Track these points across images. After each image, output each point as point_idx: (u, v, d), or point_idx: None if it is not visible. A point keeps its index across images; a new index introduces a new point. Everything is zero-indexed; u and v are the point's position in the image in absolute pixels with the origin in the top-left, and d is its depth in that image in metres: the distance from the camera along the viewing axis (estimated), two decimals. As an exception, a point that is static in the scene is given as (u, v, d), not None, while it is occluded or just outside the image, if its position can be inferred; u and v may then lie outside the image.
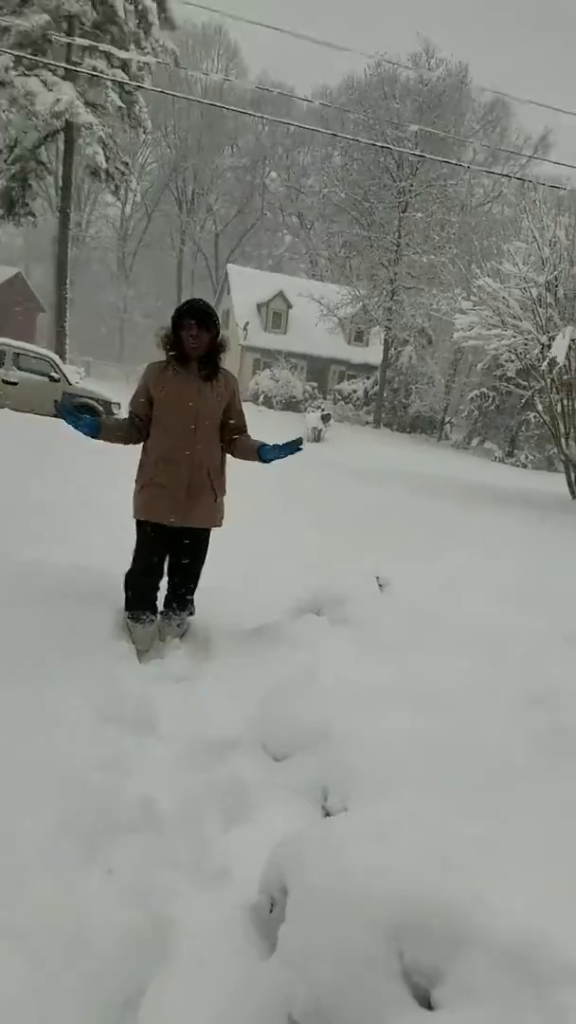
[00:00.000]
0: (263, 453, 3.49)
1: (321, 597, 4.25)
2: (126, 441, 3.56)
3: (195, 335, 3.38)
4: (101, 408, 15.43)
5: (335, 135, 21.69)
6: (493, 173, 29.10)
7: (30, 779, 2.33)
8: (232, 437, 3.61)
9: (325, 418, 25.83)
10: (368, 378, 35.06)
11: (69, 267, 33.03)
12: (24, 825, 2.16)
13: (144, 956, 1.80)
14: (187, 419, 3.44)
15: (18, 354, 15.31)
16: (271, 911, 1.86)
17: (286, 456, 3.49)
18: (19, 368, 15.20)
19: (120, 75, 23.72)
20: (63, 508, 5.94)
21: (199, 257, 51.18)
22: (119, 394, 18.08)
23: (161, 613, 3.72)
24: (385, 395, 32.95)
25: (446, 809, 2.06)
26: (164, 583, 3.73)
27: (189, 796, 2.40)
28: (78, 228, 43.72)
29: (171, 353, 3.46)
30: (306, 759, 2.53)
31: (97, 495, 6.01)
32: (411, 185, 29.14)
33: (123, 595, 3.67)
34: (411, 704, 2.60)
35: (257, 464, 3.63)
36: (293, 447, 3.49)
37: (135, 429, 3.53)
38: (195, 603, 3.78)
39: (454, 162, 22.77)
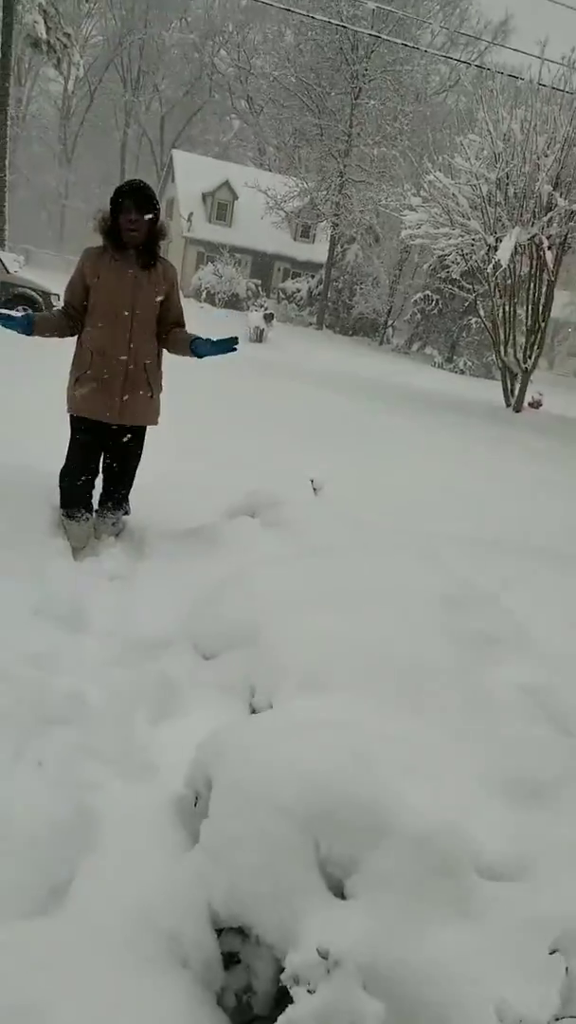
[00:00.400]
0: (196, 348, 3.29)
1: (255, 500, 4.18)
2: (61, 334, 3.35)
3: (134, 220, 3.13)
4: (39, 299, 14.63)
5: (289, 10, 20.02)
6: (451, 59, 27.60)
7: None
8: (168, 330, 3.41)
9: (268, 318, 25.03)
10: (312, 277, 33.97)
11: (8, 147, 30.45)
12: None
13: (70, 846, 1.80)
14: (123, 310, 3.23)
15: (-48, 238, 14.23)
16: (195, 804, 1.87)
17: (221, 354, 3.30)
18: (-48, 254, 14.18)
19: None
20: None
21: (144, 141, 47.84)
22: (58, 284, 17.14)
23: (96, 512, 3.61)
24: (329, 295, 32.08)
25: (367, 707, 2.09)
26: (99, 482, 3.60)
27: (118, 691, 2.38)
28: (18, 104, 40.15)
29: (108, 239, 3.20)
30: (234, 657, 2.52)
31: (37, 392, 5.73)
32: (366, 69, 27.31)
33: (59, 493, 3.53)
34: (337, 606, 2.60)
35: (193, 362, 3.45)
36: (228, 345, 3.29)
37: (69, 320, 3.32)
38: (130, 503, 3.67)
39: (411, 45, 21.38)
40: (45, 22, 22.47)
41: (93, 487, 3.52)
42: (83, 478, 3.45)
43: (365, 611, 2.55)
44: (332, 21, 21.65)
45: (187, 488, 4.47)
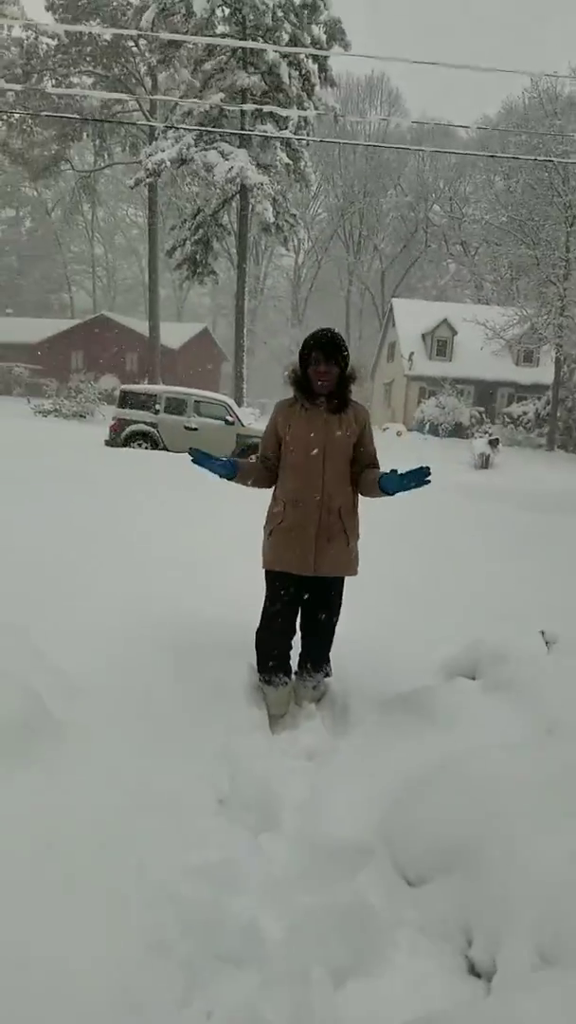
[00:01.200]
0: (384, 484, 2.92)
1: (476, 654, 3.61)
2: (257, 484, 3.19)
3: (323, 371, 2.96)
4: (273, 446, 15.45)
5: (493, 156, 20.61)
6: None
7: (119, 880, 1.93)
8: (362, 472, 3.11)
9: (493, 443, 24.35)
10: (539, 399, 32.92)
11: (247, 317, 34.14)
12: (106, 945, 1.77)
13: None
14: (315, 457, 3.01)
15: (198, 401, 15.75)
16: None
17: (412, 487, 2.88)
18: (199, 414, 15.62)
19: (287, 134, 24.25)
20: (205, 555, 5.68)
21: (366, 295, 51.22)
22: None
23: (295, 674, 3.27)
24: (559, 415, 30.73)
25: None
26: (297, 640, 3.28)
27: (300, 925, 1.90)
28: (256, 281, 45.40)
29: (299, 390, 3.05)
30: (446, 885, 1.95)
31: (219, 534, 5.73)
32: (578, 199, 27.17)
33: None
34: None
35: (401, 498, 3.08)
36: (420, 477, 2.85)
37: (265, 471, 3.16)
38: (332, 662, 3.29)
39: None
40: (274, 208, 25.35)
41: (291, 648, 3.22)
42: (280, 639, 3.17)
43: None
44: (541, 159, 21.83)
45: (396, 637, 4.01)
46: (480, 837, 2.03)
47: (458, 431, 30.61)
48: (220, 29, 25.22)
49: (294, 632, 3.21)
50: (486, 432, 28.09)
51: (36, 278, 52.97)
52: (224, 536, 5.85)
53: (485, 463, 23.15)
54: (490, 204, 31.02)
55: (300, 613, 3.21)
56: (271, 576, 3.13)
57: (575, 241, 27.66)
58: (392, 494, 2.94)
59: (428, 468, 2.83)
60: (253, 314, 43.48)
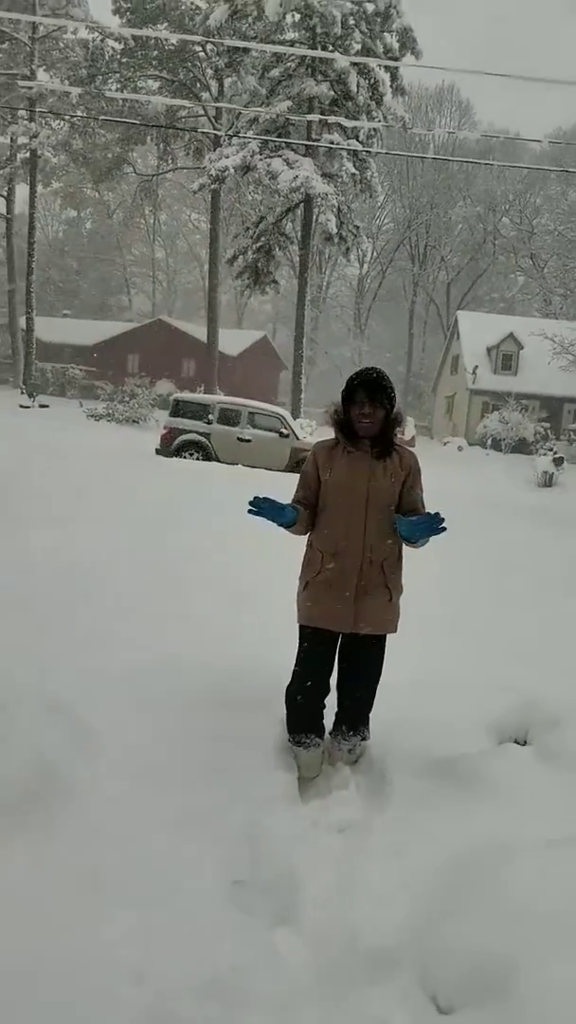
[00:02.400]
0: (401, 530, 2.69)
1: (528, 716, 3.34)
2: (298, 531, 2.97)
3: (367, 414, 2.75)
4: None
5: (566, 171, 20.06)
6: None
7: (109, 998, 1.75)
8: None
9: (557, 461, 23.59)
10: (608, 416, 31.94)
11: (309, 327, 34.08)
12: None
13: None
14: (357, 504, 2.79)
15: (252, 413, 15.67)
16: None
17: (427, 535, 2.66)
18: (253, 426, 15.54)
19: (355, 144, 24.14)
20: (249, 587, 5.50)
21: (431, 306, 50.64)
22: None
23: (330, 733, 3.06)
24: (628, 434, 29.73)
25: None
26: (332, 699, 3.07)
27: (314, 1054, 1.69)
28: (318, 290, 45.35)
29: (340, 432, 2.85)
30: (478, 1019, 1.71)
31: (249, 572, 5.48)
32: None
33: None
34: None
35: (453, 531, 2.84)
36: (432, 525, 2.61)
37: (303, 517, 2.93)
38: (371, 725, 3.06)
39: None
40: (337, 219, 25.23)
41: (324, 707, 3.00)
42: (314, 698, 2.96)
43: None
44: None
45: (442, 690, 3.75)
46: (516, 963, 1.78)
47: (521, 447, 29.88)
48: (289, 35, 25.28)
49: (328, 691, 2.99)
50: (550, 449, 27.31)
51: (95, 280, 53.88)
52: (270, 566, 5.66)
53: (548, 481, 22.46)
54: (563, 216, 30.23)
55: (337, 671, 3.00)
56: (306, 632, 2.92)
57: None
58: (408, 541, 2.72)
59: (440, 516, 2.60)
60: (315, 323, 43.42)
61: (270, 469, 14.69)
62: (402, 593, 2.94)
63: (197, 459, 15.15)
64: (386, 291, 49.89)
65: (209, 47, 28.71)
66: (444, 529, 2.60)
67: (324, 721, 3.03)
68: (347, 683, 2.99)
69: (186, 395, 17.44)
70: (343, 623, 2.82)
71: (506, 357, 34.84)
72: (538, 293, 44.49)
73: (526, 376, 34.00)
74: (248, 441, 15.33)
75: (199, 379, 34.41)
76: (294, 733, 2.96)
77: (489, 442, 30.40)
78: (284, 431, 15.44)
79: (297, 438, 15.58)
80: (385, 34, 24.53)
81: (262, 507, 2.77)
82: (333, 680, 3.01)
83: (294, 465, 15.30)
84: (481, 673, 4.19)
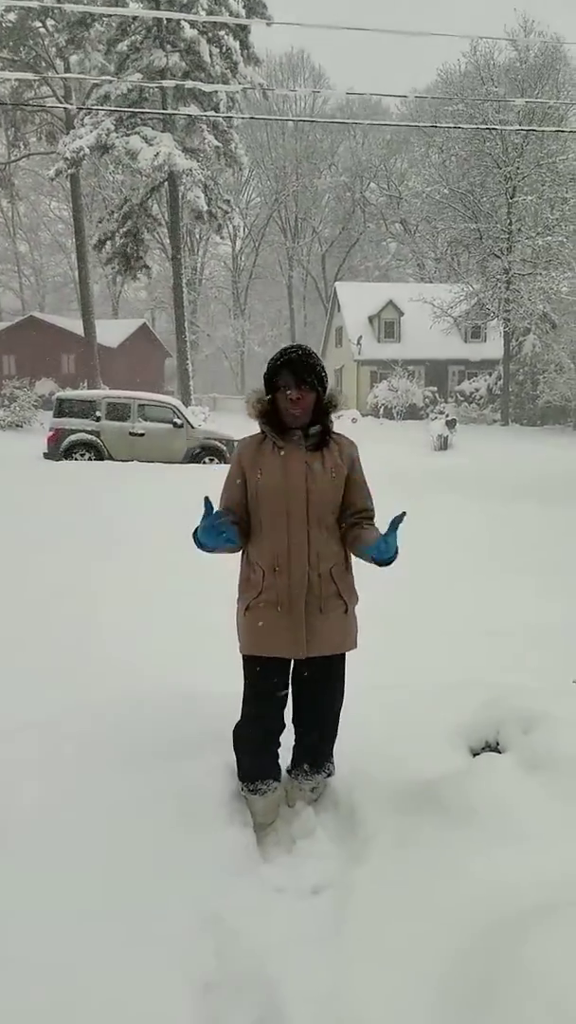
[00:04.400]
0: (380, 554, 2.27)
1: (498, 714, 3.03)
2: (231, 551, 2.48)
3: (296, 398, 2.31)
4: (224, 447, 14.76)
5: (435, 126, 20.11)
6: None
7: None
8: (352, 524, 2.46)
9: (450, 424, 24.07)
10: (490, 374, 32.87)
11: (188, 310, 33.19)
12: None
13: None
14: (297, 508, 2.35)
15: (142, 405, 14.94)
16: None
17: (396, 541, 2.28)
18: (144, 419, 14.82)
19: (213, 115, 23.38)
20: (176, 603, 5.02)
21: (308, 279, 50.57)
22: (241, 428, 17.43)
23: (288, 772, 2.64)
24: (511, 389, 30.68)
25: None
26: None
27: None
28: (193, 272, 44.30)
29: (267, 424, 2.40)
30: None
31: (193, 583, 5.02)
32: (518, 168, 26.92)
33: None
34: None
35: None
36: (396, 525, 2.26)
37: (237, 532, 2.44)
38: (334, 758, 2.66)
39: (568, 129, 20.52)
40: (206, 195, 24.48)
41: (280, 746, 2.57)
42: (267, 739, 2.52)
43: None
44: (481, 127, 21.44)
45: (397, 694, 3.41)
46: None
47: (412, 413, 30.35)
48: (133, 7, 24.15)
49: (283, 727, 2.56)
50: (441, 412, 27.83)
51: (-45, 281, 50.77)
52: (204, 578, 5.14)
53: (444, 444, 22.85)
54: (429, 177, 30.60)
55: (292, 701, 2.57)
56: (252, 663, 2.46)
57: (517, 211, 27.45)
58: (389, 563, 2.31)
59: (403, 513, 2.24)
60: (193, 306, 42.44)
61: (167, 462, 14.07)
62: (358, 601, 2.54)
63: (89, 459, 14.33)
64: (261, 267, 49.40)
65: (50, 23, 27.10)
66: (403, 517, 2.24)
67: (280, 761, 2.60)
68: (306, 714, 2.56)
69: (69, 392, 16.45)
70: (296, 648, 2.38)
71: (388, 325, 35.20)
72: (411, 258, 45.19)
73: (409, 342, 34.49)
74: (141, 435, 14.63)
75: (81, 375, 32.93)
76: (248, 781, 2.52)
77: (381, 411, 30.68)
78: (178, 421, 14.82)
79: (192, 427, 14.99)
80: (230, 1, 23.80)
81: (207, 540, 2.25)
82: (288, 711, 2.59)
83: (191, 456, 14.74)
84: (432, 664, 3.88)
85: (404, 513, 2.26)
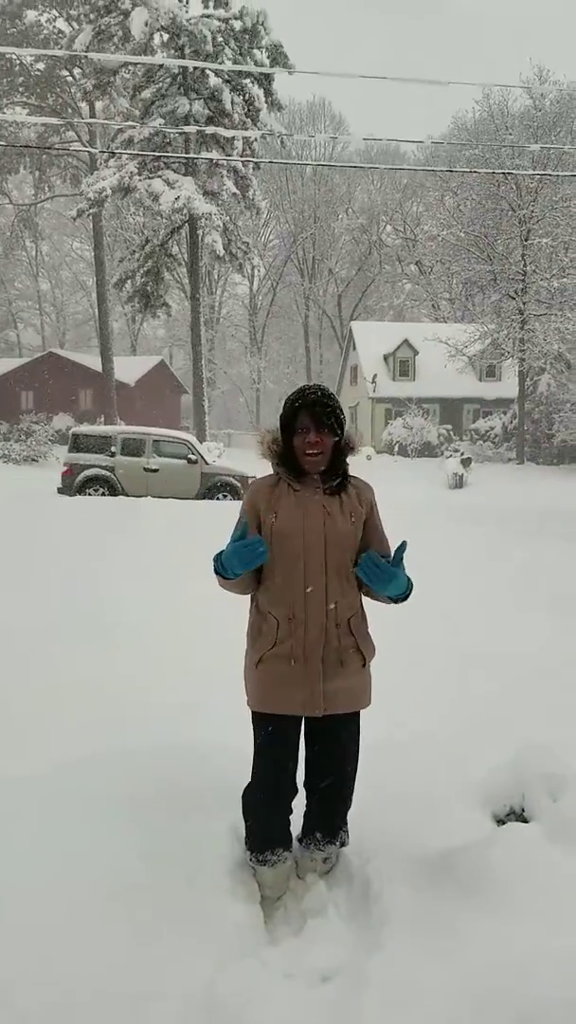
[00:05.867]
0: (394, 591, 2.18)
1: (521, 777, 2.83)
2: (242, 590, 2.35)
3: (314, 443, 2.18)
4: (239, 483, 14.68)
5: (451, 171, 20.34)
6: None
7: None
8: None
9: (465, 462, 23.94)
10: (505, 413, 32.79)
11: (206, 347, 33.48)
12: None
13: None
14: (314, 555, 2.21)
15: (157, 441, 14.93)
16: None
17: (403, 586, 2.19)
18: (159, 455, 14.80)
19: (233, 159, 23.83)
20: (185, 647, 4.86)
21: (324, 319, 51.07)
22: (255, 464, 17.36)
23: (299, 841, 2.45)
24: (526, 428, 30.55)
25: None
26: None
27: None
28: (211, 311, 44.87)
29: (282, 467, 2.27)
30: None
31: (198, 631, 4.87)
32: (532, 211, 27.19)
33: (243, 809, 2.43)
34: None
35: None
36: (400, 556, 2.17)
37: (250, 575, 2.29)
38: (348, 826, 2.46)
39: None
40: (224, 237, 24.84)
41: (291, 812, 2.39)
42: (279, 803, 2.34)
43: None
44: (496, 171, 21.67)
45: (413, 751, 3.21)
46: None
47: (427, 450, 30.26)
48: (159, 55, 24.81)
49: (295, 791, 2.38)
50: (455, 450, 27.72)
51: (-23, 318, 51.70)
52: (216, 623, 4.99)
53: (460, 483, 22.69)
54: (444, 221, 30.97)
55: (305, 763, 2.39)
56: (263, 721, 2.29)
57: (532, 254, 27.64)
58: (404, 597, 2.19)
59: (404, 543, 2.17)
60: (211, 344, 42.89)
61: (181, 498, 13.99)
62: (375, 655, 2.38)
63: (103, 494, 14.28)
64: (278, 307, 49.95)
65: (76, 71, 27.94)
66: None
67: (291, 829, 2.41)
68: (319, 777, 2.38)
69: (85, 428, 16.50)
70: (311, 705, 2.21)
71: (403, 363, 35.34)
72: (426, 299, 45.55)
73: (424, 381, 34.57)
74: (155, 471, 14.58)
75: (98, 410, 33.20)
76: (256, 851, 2.33)
77: (396, 448, 30.62)
78: (192, 457, 14.78)
79: (206, 463, 14.95)
80: (255, 50, 24.42)
81: (230, 559, 2.13)
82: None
83: (205, 491, 14.67)
84: (451, 719, 3.68)
85: (405, 543, 2.14)
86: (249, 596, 2.37)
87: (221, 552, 2.16)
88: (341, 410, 2.24)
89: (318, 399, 2.18)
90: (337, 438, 2.23)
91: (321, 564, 2.21)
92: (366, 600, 2.37)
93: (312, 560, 2.21)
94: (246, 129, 24.87)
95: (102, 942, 2.03)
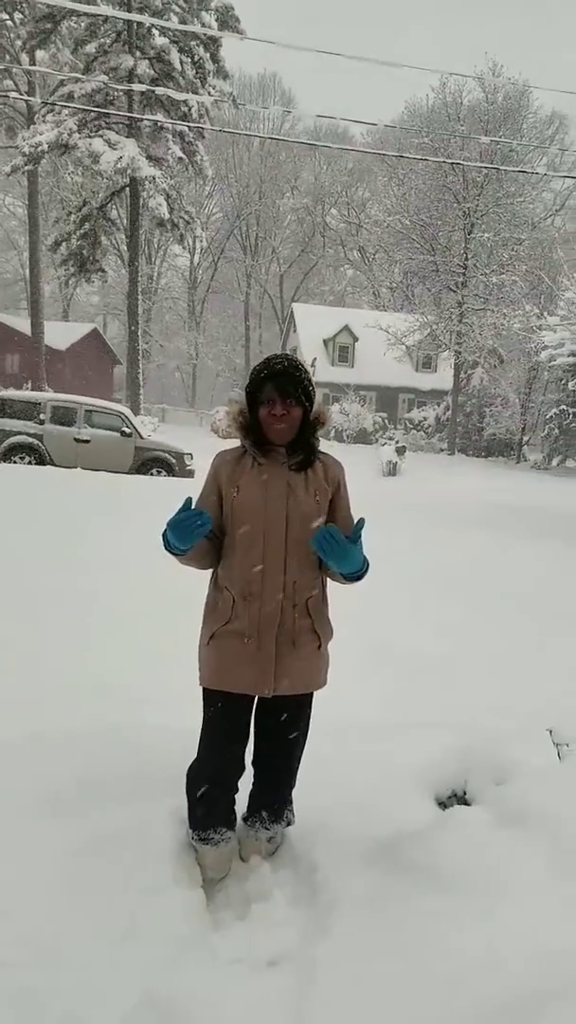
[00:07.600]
0: (348, 568, 2.10)
1: (464, 763, 2.86)
2: (200, 565, 2.25)
3: (281, 414, 2.10)
4: (173, 460, 14.44)
5: (401, 156, 20.39)
6: (572, 176, 27.24)
7: None
8: None
9: (400, 451, 24.29)
10: (439, 404, 33.43)
11: (143, 318, 32.72)
12: None
13: None
14: (275, 530, 2.14)
15: (89, 411, 14.49)
16: None
17: (358, 563, 2.11)
18: (91, 425, 14.37)
19: (181, 124, 23.24)
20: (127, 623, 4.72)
21: (265, 298, 50.69)
22: (191, 441, 17.10)
23: (244, 820, 2.40)
24: (458, 420, 31.20)
25: None
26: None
27: None
28: (149, 280, 43.84)
29: (248, 439, 2.18)
30: None
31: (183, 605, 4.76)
32: (477, 205, 27.61)
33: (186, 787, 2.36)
34: None
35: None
36: (358, 534, 2.08)
37: (203, 547, 2.19)
38: (293, 806, 2.43)
39: (529, 171, 21.11)
40: (168, 203, 24.24)
41: (236, 791, 2.33)
42: (227, 783, 2.28)
43: None
44: (446, 160, 21.85)
45: (356, 734, 3.21)
46: None
47: (362, 437, 30.55)
48: (104, 8, 23.87)
49: (243, 769, 2.32)
50: (390, 438, 28.07)
51: None
52: (162, 596, 4.86)
53: (393, 470, 23.00)
54: (390, 207, 31.12)
55: (254, 743, 2.34)
56: (213, 697, 2.23)
57: (474, 248, 28.09)
58: (359, 575, 2.14)
59: (362, 519, 2.09)
60: (147, 315, 41.94)
61: (113, 471, 13.67)
62: (332, 637, 2.33)
63: (29, 463, 13.80)
64: (219, 282, 49.26)
65: (17, 15, 26.59)
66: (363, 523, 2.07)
67: (235, 807, 2.35)
68: (266, 757, 2.33)
69: (12, 392, 15.86)
70: (262, 684, 2.16)
71: (343, 349, 35.51)
72: (367, 286, 45.82)
73: (362, 368, 34.85)
74: (87, 442, 14.18)
75: (25, 376, 32.06)
76: (199, 829, 2.26)
77: (332, 434, 30.77)
78: (126, 430, 14.43)
79: (141, 436, 14.63)
80: (203, 12, 23.79)
81: (179, 537, 2.01)
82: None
83: (139, 466, 14.37)
84: (391, 702, 3.70)
85: (363, 519, 2.08)
86: (207, 575, 2.29)
87: (166, 528, 2.06)
88: (310, 381, 2.17)
89: (284, 368, 2.11)
90: (305, 410, 2.15)
91: (281, 542, 2.14)
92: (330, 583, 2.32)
93: (272, 537, 2.14)
94: (195, 90, 24.26)
95: (34, 934, 1.94)
